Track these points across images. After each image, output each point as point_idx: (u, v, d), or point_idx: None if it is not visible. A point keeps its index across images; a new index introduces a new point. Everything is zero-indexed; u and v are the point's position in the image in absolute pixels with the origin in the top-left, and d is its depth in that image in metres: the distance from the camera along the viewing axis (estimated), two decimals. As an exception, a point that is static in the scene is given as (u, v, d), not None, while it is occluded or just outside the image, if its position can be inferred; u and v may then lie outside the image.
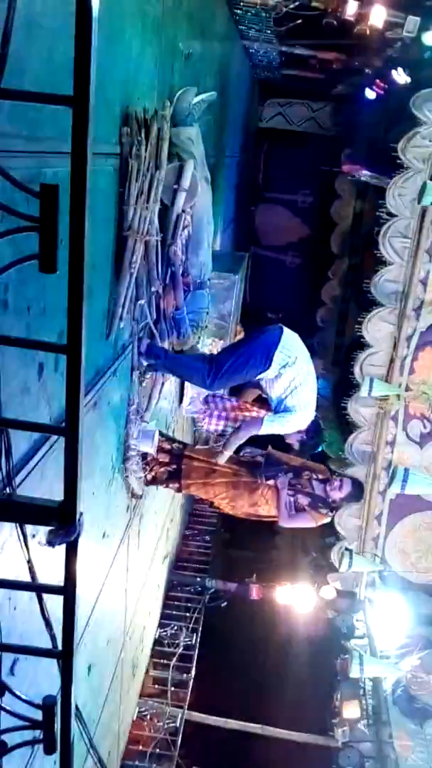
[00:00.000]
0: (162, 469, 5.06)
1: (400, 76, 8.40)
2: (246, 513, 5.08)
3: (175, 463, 5.06)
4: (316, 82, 11.84)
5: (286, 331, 4.73)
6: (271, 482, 4.93)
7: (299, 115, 13.37)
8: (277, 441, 5.19)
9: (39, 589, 1.52)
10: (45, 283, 2.47)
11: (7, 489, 1.65)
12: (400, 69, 8.38)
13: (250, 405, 5.12)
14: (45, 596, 1.61)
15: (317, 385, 4.92)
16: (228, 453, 4.88)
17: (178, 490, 5.25)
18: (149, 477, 5.04)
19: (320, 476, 5.06)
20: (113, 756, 5.84)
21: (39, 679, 2.87)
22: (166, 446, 5.09)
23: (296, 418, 4.75)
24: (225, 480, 5.00)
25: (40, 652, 1.56)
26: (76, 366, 1.16)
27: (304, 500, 4.95)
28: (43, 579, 1.77)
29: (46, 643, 1.74)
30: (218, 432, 5.08)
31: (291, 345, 4.67)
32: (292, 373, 4.62)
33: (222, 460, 4.92)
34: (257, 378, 4.76)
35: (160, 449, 5.00)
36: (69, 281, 1.11)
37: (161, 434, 5.09)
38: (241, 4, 7.84)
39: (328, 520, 5.08)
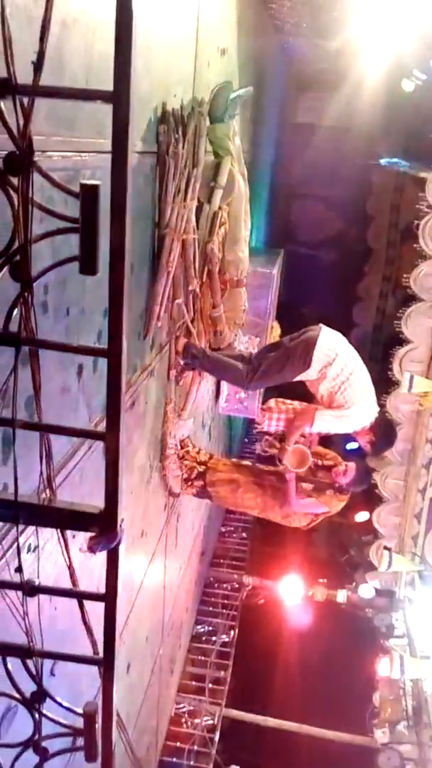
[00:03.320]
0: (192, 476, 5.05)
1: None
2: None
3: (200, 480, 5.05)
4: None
5: (325, 329, 4.63)
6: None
7: (335, 109, 13.20)
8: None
9: (80, 596, 1.50)
10: (84, 283, 2.46)
11: (47, 492, 1.63)
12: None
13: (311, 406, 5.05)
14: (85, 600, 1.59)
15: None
16: (289, 446, 4.79)
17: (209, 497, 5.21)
18: (185, 476, 5.02)
19: (327, 462, 4.98)
20: (151, 752, 5.86)
21: (79, 679, 2.87)
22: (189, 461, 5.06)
23: (352, 414, 4.59)
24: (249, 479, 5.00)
25: (81, 660, 1.54)
26: (117, 371, 1.13)
27: (308, 486, 4.89)
28: (82, 573, 1.77)
29: (86, 642, 1.72)
30: (277, 431, 5.02)
31: (331, 343, 4.57)
32: (335, 370, 4.51)
33: (287, 455, 4.82)
34: (299, 379, 4.66)
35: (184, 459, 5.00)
36: (110, 286, 1.08)
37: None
38: (277, -3, 7.76)
39: (341, 503, 4.96)
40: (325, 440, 5.09)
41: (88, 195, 1.02)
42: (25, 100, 1.04)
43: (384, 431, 4.84)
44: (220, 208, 4.32)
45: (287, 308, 11.01)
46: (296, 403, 5.05)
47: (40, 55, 0.99)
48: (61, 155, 2.17)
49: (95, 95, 1.00)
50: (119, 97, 0.96)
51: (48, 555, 2.26)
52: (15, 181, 1.07)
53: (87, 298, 2.51)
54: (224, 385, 6.61)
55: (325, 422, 4.64)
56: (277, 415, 4.94)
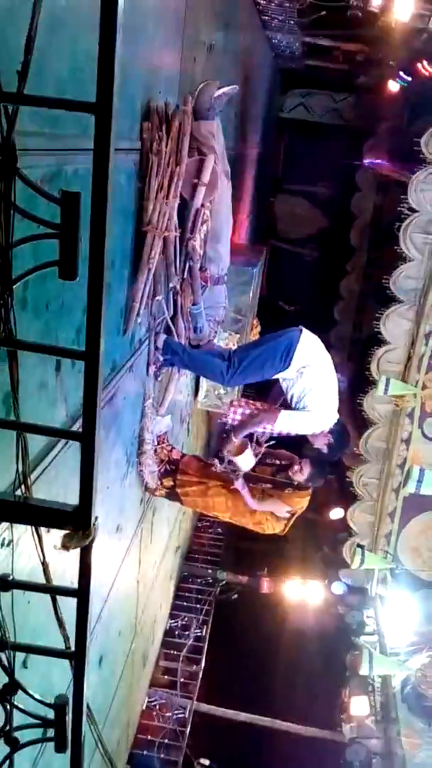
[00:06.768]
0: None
1: (425, 69, 8.31)
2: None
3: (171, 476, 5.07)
4: (338, 73, 11.72)
5: (306, 332, 4.71)
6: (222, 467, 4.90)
7: (321, 106, 13.24)
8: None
9: (53, 592, 1.52)
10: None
11: (22, 488, 1.65)
12: (425, 61, 8.28)
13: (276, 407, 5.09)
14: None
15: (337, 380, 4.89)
16: (236, 438, 4.82)
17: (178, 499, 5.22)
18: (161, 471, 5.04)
19: (284, 462, 5.05)
20: (122, 745, 5.90)
21: (51, 670, 2.89)
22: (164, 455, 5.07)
23: (314, 418, 4.72)
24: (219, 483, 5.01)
25: (52, 653, 1.57)
26: (94, 373, 1.15)
27: (267, 486, 4.95)
28: (57, 567, 1.78)
29: (59, 636, 1.75)
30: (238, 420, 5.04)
31: (310, 346, 4.67)
32: (311, 373, 4.61)
33: (231, 446, 4.84)
34: (275, 377, 4.74)
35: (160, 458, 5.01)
36: (89, 291, 1.11)
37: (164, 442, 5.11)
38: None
39: (304, 500, 4.99)
40: (288, 442, 5.14)
41: (70, 203, 1.04)
42: (9, 106, 1.05)
43: (340, 436, 4.93)
44: (203, 205, 4.34)
45: (269, 305, 11.06)
46: (259, 404, 5.12)
47: (25, 65, 1.01)
48: (44, 152, 2.17)
49: (78, 107, 1.02)
50: (102, 109, 0.98)
51: (22, 549, 2.27)
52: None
53: (66, 293, 2.52)
54: (203, 380, 6.64)
55: (289, 422, 4.74)
56: (242, 410, 4.99)
